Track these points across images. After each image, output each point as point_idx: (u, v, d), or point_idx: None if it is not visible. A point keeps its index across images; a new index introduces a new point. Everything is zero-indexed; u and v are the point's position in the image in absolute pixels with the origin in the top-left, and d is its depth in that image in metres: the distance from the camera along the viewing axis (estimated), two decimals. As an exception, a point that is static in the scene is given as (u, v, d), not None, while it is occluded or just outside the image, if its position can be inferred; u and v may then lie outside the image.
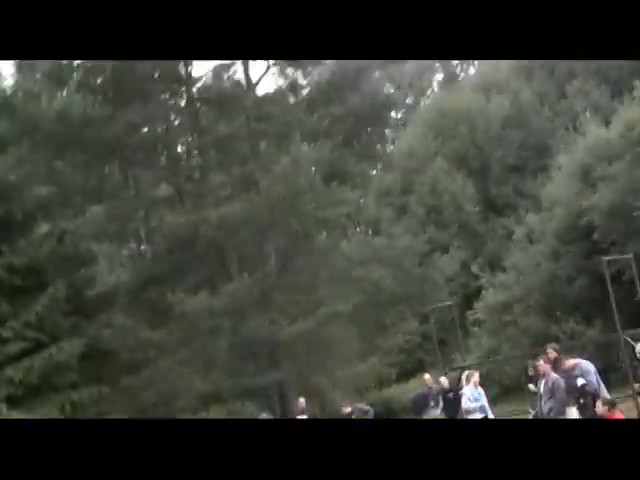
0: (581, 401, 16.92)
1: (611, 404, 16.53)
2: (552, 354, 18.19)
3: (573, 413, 17.03)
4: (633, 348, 17.45)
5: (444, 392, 22.71)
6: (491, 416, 21.52)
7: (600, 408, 16.32)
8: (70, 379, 29.12)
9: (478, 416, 21.28)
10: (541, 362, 17.66)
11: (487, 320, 42.16)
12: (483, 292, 43.23)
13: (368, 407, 26.02)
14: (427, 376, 25.17)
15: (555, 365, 17.75)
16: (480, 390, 21.56)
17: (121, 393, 30.94)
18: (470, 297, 46.05)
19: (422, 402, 14.59)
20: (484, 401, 21.47)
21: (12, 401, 26.82)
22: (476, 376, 21.85)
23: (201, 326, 30.80)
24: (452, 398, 22.31)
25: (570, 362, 17.59)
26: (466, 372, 22.63)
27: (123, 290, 33.69)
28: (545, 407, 17.12)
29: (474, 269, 47.08)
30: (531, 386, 18.76)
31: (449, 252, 48.03)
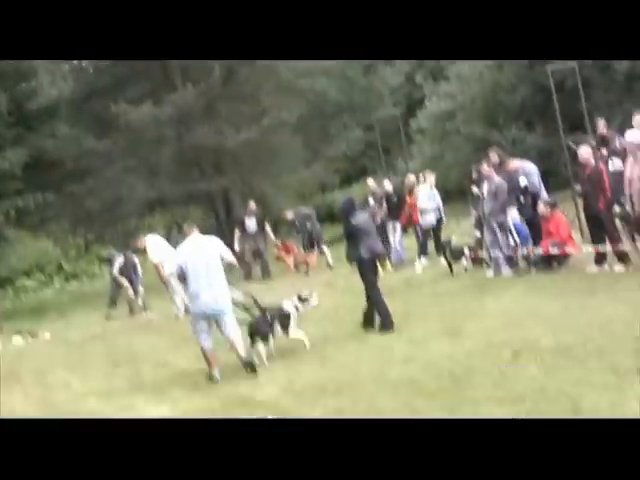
0: (522, 201, 17.33)
1: (552, 205, 17.05)
2: (495, 158, 18.52)
3: (514, 214, 17.46)
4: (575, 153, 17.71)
5: (387, 196, 23.02)
6: (444, 216, 21.94)
7: (542, 208, 16.84)
8: (14, 187, 29.19)
9: (432, 216, 21.75)
10: (484, 165, 17.95)
11: (431, 128, 42.30)
12: (426, 102, 43.23)
13: (310, 210, 26.42)
14: (370, 181, 25.39)
15: (499, 167, 18.09)
16: (435, 191, 21.92)
17: (65, 200, 31.13)
18: (414, 107, 46.11)
19: (350, 205, 14.95)
20: (439, 202, 21.86)
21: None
22: (432, 178, 22.16)
23: (146, 136, 30.84)
24: (395, 201, 22.69)
25: (514, 163, 17.87)
26: (420, 174, 22.84)
27: (66, 102, 33.45)
28: (486, 208, 17.50)
29: (418, 79, 46.94)
30: (474, 189, 19.08)
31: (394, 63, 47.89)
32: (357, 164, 48.53)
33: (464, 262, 18.72)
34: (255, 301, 13.11)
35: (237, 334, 12.31)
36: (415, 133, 42.15)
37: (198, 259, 12.18)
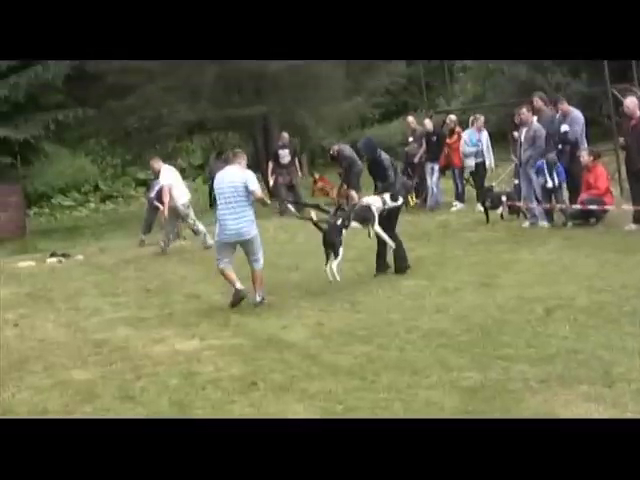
0: (559, 147, 17.12)
1: (596, 155, 16.85)
2: (538, 103, 18.28)
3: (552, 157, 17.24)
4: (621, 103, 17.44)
5: (427, 135, 22.86)
6: (488, 162, 21.70)
7: (585, 157, 16.64)
8: (55, 100, 29.14)
9: (472, 160, 21.60)
10: (524, 110, 17.74)
11: (474, 67, 41.90)
12: (473, 38, 42.76)
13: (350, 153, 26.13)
14: (410, 118, 25.14)
15: (540, 112, 17.88)
16: (482, 135, 21.68)
17: (105, 116, 31.08)
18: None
19: (372, 144, 14.85)
20: (483, 146, 21.62)
21: (-1, 117, 26.96)
22: (481, 120, 21.91)
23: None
24: (435, 141, 22.53)
25: (565, 107, 17.58)
26: (472, 117, 22.54)
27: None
28: (524, 155, 17.36)
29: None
30: (515, 134, 18.89)
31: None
32: (398, 99, 48.24)
33: (500, 210, 18.59)
34: (324, 209, 13.95)
35: (259, 264, 12.82)
36: (458, 71, 41.73)
37: (228, 188, 12.69)
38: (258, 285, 12.76)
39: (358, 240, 16.86)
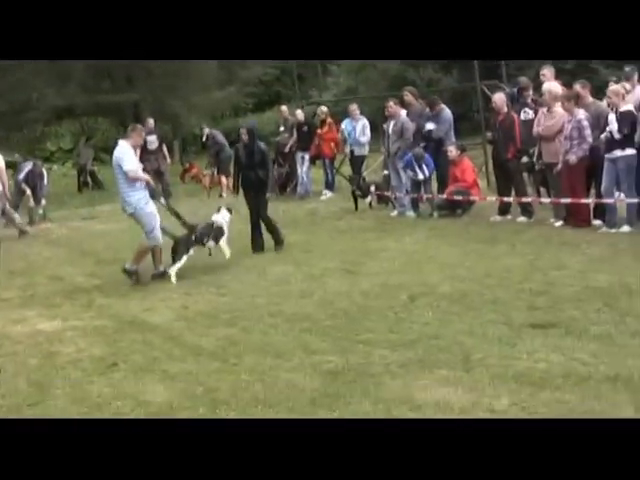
0: (422, 144, 17.37)
1: (461, 149, 17.14)
2: (407, 97, 18.52)
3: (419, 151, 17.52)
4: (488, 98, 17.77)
5: (298, 125, 22.92)
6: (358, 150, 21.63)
7: (453, 152, 16.90)
8: None
9: (347, 148, 21.60)
10: (392, 104, 17.93)
11: (346, 60, 42.14)
12: (346, 32, 43.00)
13: (221, 135, 26.00)
14: (284, 107, 25.25)
15: (409, 107, 18.13)
16: (357, 124, 21.63)
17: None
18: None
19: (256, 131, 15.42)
20: (356, 134, 21.55)
21: None
22: (352, 107, 21.86)
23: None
24: (306, 131, 22.57)
25: (438, 107, 17.77)
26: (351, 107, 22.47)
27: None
28: (393, 147, 17.57)
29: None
30: (384, 126, 19.07)
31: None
32: (271, 90, 48.26)
33: (369, 199, 18.76)
34: (181, 218, 13.63)
35: (142, 239, 13.08)
36: (331, 64, 41.89)
37: (115, 164, 12.98)
38: (156, 259, 13.04)
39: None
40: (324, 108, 23.28)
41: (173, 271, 12.79)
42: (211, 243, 13.62)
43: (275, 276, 12.39)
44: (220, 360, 8.36)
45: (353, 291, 10.95)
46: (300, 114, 23.35)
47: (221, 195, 24.17)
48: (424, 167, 16.93)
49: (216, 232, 13.70)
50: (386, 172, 18.84)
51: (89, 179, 30.85)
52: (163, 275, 12.82)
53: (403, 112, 17.93)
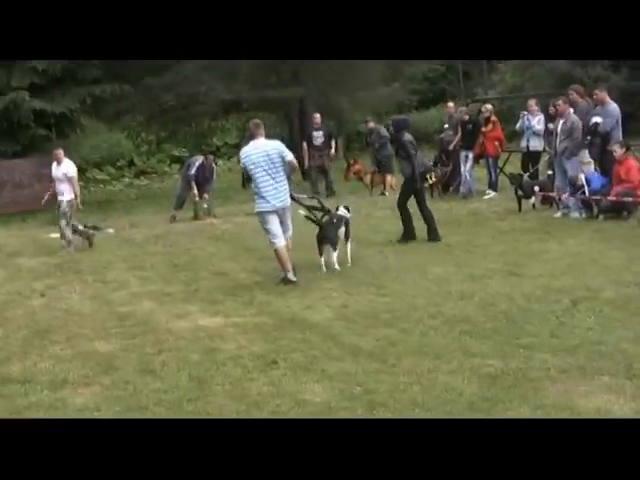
0: (588, 138, 17.00)
1: (626, 147, 16.71)
2: (573, 95, 18.17)
3: (585, 156, 17.22)
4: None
5: (463, 123, 22.76)
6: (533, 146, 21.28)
7: (617, 151, 16.51)
8: (93, 74, 29.12)
9: (523, 142, 21.33)
10: (560, 102, 17.63)
11: (514, 57, 41.69)
12: (514, 29, 42.49)
13: (386, 133, 25.94)
14: (451, 104, 25.03)
15: (577, 104, 17.77)
16: (534, 119, 21.29)
17: (142, 93, 31.07)
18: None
19: (403, 124, 15.66)
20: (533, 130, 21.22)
21: (35, 90, 27.00)
22: (531, 102, 21.52)
23: (228, 35, 30.54)
24: (470, 129, 22.40)
25: (601, 96, 17.36)
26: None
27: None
28: (560, 146, 17.26)
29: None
30: (550, 125, 18.76)
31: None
32: (436, 87, 48.02)
33: (532, 200, 18.50)
34: (322, 206, 14.36)
35: (290, 233, 13.30)
36: (497, 61, 41.44)
37: (263, 159, 12.76)
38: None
39: (387, 225, 16.91)
40: (489, 106, 23.07)
41: (334, 258, 13.26)
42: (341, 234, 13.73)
43: (435, 276, 12.37)
44: (379, 361, 8.39)
45: (514, 293, 10.85)
46: (465, 112, 23.19)
47: (383, 193, 24.22)
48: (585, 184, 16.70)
49: (346, 226, 13.89)
50: (550, 172, 18.55)
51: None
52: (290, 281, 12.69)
53: (571, 110, 17.59)
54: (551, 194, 18.13)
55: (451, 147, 23.11)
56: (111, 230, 20.36)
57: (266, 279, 13.07)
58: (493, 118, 22.44)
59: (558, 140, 17.40)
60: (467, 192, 22.13)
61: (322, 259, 13.40)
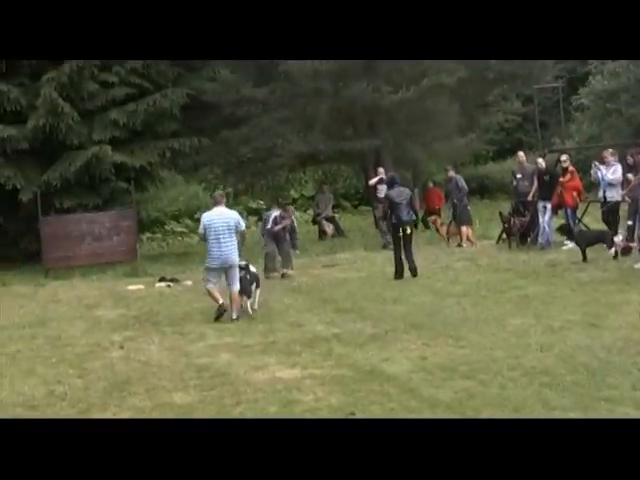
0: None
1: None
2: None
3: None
4: None
5: (540, 173, 22.61)
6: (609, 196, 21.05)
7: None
8: (172, 127, 29.56)
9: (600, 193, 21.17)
10: (634, 153, 17.53)
11: (591, 106, 41.41)
12: (590, 78, 42.29)
13: (464, 184, 25.80)
14: (521, 153, 24.82)
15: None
16: (609, 170, 21.12)
17: (219, 146, 31.42)
18: (576, 82, 45.21)
19: (392, 180, 18.55)
20: (608, 180, 21.04)
21: (115, 143, 27.44)
22: (606, 154, 21.35)
23: (303, 88, 30.82)
24: (548, 180, 22.24)
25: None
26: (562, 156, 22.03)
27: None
28: (638, 196, 17.14)
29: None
30: (629, 175, 18.59)
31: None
32: (512, 137, 47.91)
33: (612, 251, 18.30)
34: (247, 265, 16.13)
35: (236, 286, 15.38)
36: (574, 111, 41.27)
37: (220, 225, 15.40)
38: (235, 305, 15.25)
39: (464, 276, 16.85)
40: (565, 156, 22.90)
41: (247, 303, 15.67)
42: None
43: (514, 328, 12.26)
44: (457, 413, 8.31)
45: (595, 345, 10.71)
46: (542, 162, 23.02)
47: (460, 245, 24.10)
48: None
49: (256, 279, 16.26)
50: (630, 222, 18.34)
51: (327, 226, 31.37)
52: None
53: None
54: (632, 244, 17.94)
55: (529, 198, 22.96)
56: (189, 282, 20.54)
57: (344, 331, 13.05)
58: (571, 168, 22.26)
59: (636, 190, 17.25)
60: (545, 243, 21.93)
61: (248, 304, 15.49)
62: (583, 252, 18.55)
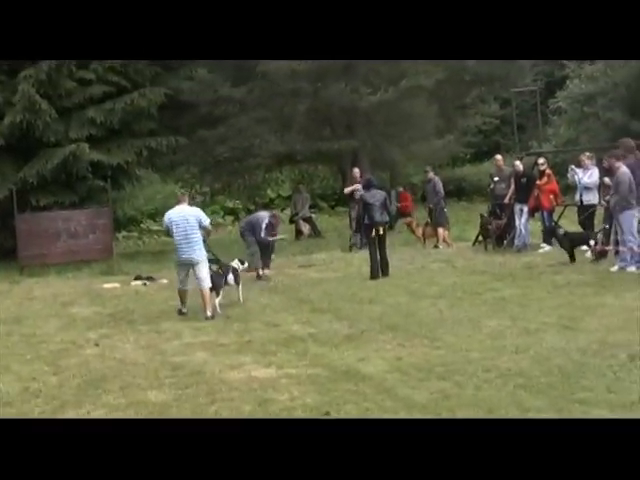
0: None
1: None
2: (628, 147, 18.01)
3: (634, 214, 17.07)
4: None
5: (517, 176, 22.68)
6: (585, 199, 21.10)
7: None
8: (149, 126, 29.50)
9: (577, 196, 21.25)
10: (611, 156, 17.61)
11: (568, 110, 41.58)
12: (568, 82, 42.46)
13: (441, 188, 25.74)
14: (499, 157, 24.95)
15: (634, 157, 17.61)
16: (585, 173, 21.17)
17: (197, 145, 31.37)
18: (554, 86, 45.38)
19: (369, 183, 19.95)
20: (584, 184, 21.08)
21: (92, 141, 27.35)
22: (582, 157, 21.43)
23: (281, 88, 30.81)
24: (525, 183, 22.31)
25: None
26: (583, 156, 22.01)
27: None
28: (612, 200, 17.20)
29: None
30: (606, 179, 18.66)
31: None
32: (490, 139, 48.06)
33: (588, 254, 18.39)
34: (217, 259, 17.65)
35: (206, 282, 15.58)
36: (552, 114, 41.40)
37: (181, 221, 15.74)
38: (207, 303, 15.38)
39: (440, 277, 16.88)
40: (542, 159, 22.98)
41: (216, 301, 15.55)
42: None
43: (490, 330, 12.27)
44: (432, 414, 8.29)
45: (570, 348, 10.73)
46: (519, 165, 23.09)
47: (436, 246, 24.15)
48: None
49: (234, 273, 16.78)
50: (607, 226, 18.42)
51: (303, 226, 31.40)
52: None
53: (620, 165, 17.40)
54: (607, 247, 18.03)
55: (506, 200, 23.04)
56: (165, 280, 20.49)
57: (320, 331, 13.05)
58: (548, 171, 22.35)
59: (611, 194, 17.33)
60: (522, 245, 22.01)
61: (216, 301, 15.60)
62: (570, 254, 18.65)
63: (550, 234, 19.93)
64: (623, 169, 17.07)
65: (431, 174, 26.08)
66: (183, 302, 15.78)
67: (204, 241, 16.27)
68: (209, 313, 15.11)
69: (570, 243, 18.77)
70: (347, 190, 26.65)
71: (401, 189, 31.16)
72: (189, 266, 15.73)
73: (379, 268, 18.80)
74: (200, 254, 15.72)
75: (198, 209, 16.51)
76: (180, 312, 15.66)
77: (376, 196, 19.30)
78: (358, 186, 24.87)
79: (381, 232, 19.16)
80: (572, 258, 18.50)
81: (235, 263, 16.98)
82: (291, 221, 32.68)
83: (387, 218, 19.80)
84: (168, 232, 16.43)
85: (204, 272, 15.67)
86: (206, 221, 16.10)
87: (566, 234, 19.18)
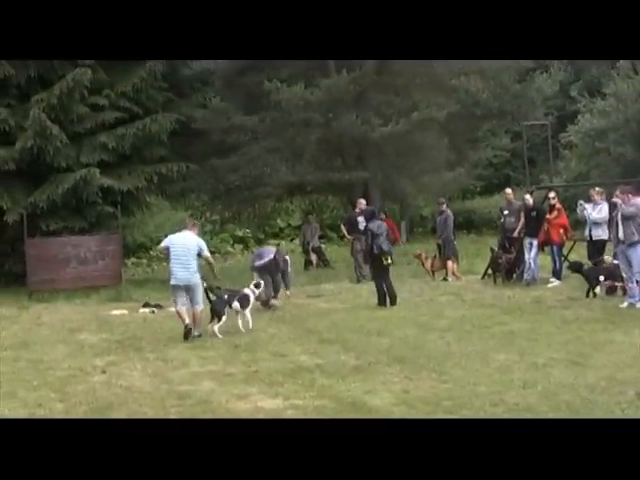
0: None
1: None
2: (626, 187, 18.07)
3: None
4: None
5: (527, 210, 22.65)
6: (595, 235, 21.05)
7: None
8: (160, 153, 29.56)
9: (586, 231, 21.19)
10: (618, 191, 17.63)
11: (579, 144, 41.57)
12: (579, 116, 42.49)
13: (451, 222, 25.56)
14: (508, 190, 24.89)
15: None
16: (595, 208, 21.15)
17: (207, 173, 31.41)
18: (565, 120, 45.41)
19: (371, 213, 22.35)
20: (593, 219, 21.06)
21: (103, 167, 27.41)
22: (592, 192, 21.44)
23: (293, 117, 30.88)
24: (534, 216, 22.27)
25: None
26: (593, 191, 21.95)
27: (220, 74, 33.43)
28: (620, 235, 17.19)
29: (573, 92, 46.18)
30: (614, 214, 18.61)
31: (550, 72, 46.83)
32: (501, 173, 48.10)
33: (597, 289, 18.35)
34: (218, 287, 17.51)
35: (199, 305, 16.44)
36: (562, 148, 41.41)
37: (180, 246, 16.37)
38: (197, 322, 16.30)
39: (449, 310, 16.83)
40: (552, 194, 22.96)
41: (215, 327, 16.31)
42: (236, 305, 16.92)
43: (498, 364, 12.23)
44: (439, 448, 8.27)
45: (578, 384, 10.67)
46: (529, 199, 23.05)
47: (445, 279, 24.08)
48: None
49: (244, 300, 17.02)
50: (616, 261, 18.38)
51: (312, 256, 31.31)
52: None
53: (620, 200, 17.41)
54: (617, 283, 18.00)
55: (515, 234, 22.99)
56: (173, 309, 20.44)
57: (327, 362, 13.00)
58: (558, 205, 22.32)
59: (618, 228, 17.28)
60: (531, 279, 21.93)
61: (215, 327, 16.17)
62: (593, 288, 18.60)
63: (576, 269, 19.72)
64: (629, 205, 17.04)
65: (444, 206, 25.79)
66: (184, 319, 16.21)
67: (212, 271, 17.21)
68: (196, 333, 16.08)
69: (596, 278, 18.67)
70: (348, 236, 26.59)
71: (383, 216, 31.00)
72: (183, 288, 16.38)
73: (385, 296, 19.13)
74: (195, 277, 16.40)
75: (200, 239, 16.98)
76: (186, 327, 16.03)
77: (382, 227, 19.82)
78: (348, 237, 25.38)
79: (389, 261, 19.53)
80: (594, 294, 18.42)
81: (249, 289, 17.40)
82: (304, 250, 32.33)
83: (392, 248, 20.01)
84: (163, 253, 17.53)
85: (198, 296, 16.44)
86: (206, 251, 16.74)
87: (592, 269, 19.10)
